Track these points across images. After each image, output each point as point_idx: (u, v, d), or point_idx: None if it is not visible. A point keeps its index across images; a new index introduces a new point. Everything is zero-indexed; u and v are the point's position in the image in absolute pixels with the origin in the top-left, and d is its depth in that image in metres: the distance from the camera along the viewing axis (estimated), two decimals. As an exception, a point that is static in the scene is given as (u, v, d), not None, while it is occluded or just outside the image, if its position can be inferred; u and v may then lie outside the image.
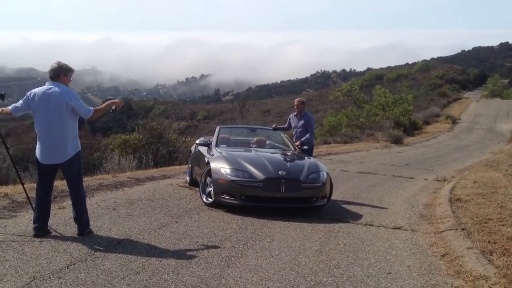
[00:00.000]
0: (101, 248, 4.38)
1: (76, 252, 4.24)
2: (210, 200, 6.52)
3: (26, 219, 5.22)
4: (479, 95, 59.70)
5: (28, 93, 4.70)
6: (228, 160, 6.64)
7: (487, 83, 68.44)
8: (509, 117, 38.76)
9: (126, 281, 3.64)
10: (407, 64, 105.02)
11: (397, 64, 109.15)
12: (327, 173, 6.84)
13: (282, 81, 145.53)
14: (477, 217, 6.02)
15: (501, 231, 5.28)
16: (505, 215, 6.04)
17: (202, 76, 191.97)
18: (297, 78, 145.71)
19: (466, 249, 4.77)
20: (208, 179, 6.64)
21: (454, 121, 35.87)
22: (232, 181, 6.26)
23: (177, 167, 11.41)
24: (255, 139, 8.38)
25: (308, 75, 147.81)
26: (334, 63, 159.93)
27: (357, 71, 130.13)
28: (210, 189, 6.55)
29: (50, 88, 4.62)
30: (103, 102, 5.40)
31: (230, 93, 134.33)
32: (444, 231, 5.69)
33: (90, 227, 4.88)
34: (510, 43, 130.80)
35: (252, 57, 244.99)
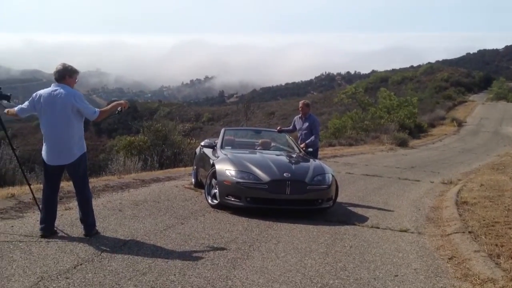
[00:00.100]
0: (108, 249, 4.40)
1: (83, 253, 4.25)
2: (216, 201, 6.53)
3: (33, 219, 5.24)
4: (484, 98, 59.41)
5: (34, 94, 4.72)
6: (233, 162, 6.64)
7: (493, 86, 68.12)
8: (515, 120, 38.57)
9: (133, 282, 3.65)
10: (412, 66, 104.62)
11: (402, 66, 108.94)
12: (333, 175, 6.82)
13: (286, 83, 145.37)
14: (484, 220, 5.99)
15: (508, 234, 5.26)
16: (512, 218, 6.01)
17: (207, 78, 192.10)
18: (301, 80, 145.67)
19: (473, 252, 4.74)
20: (214, 181, 6.64)
21: (460, 124, 35.69)
22: (237, 183, 6.26)
23: (182, 168, 11.44)
24: (260, 141, 8.39)
25: (313, 77, 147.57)
26: (338, 66, 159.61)
27: (361, 73, 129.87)
28: (216, 191, 6.56)
29: (56, 90, 4.64)
30: (108, 104, 5.41)
31: (235, 95, 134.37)
32: (451, 234, 5.66)
33: (96, 228, 4.90)
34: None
35: (257, 59, 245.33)
